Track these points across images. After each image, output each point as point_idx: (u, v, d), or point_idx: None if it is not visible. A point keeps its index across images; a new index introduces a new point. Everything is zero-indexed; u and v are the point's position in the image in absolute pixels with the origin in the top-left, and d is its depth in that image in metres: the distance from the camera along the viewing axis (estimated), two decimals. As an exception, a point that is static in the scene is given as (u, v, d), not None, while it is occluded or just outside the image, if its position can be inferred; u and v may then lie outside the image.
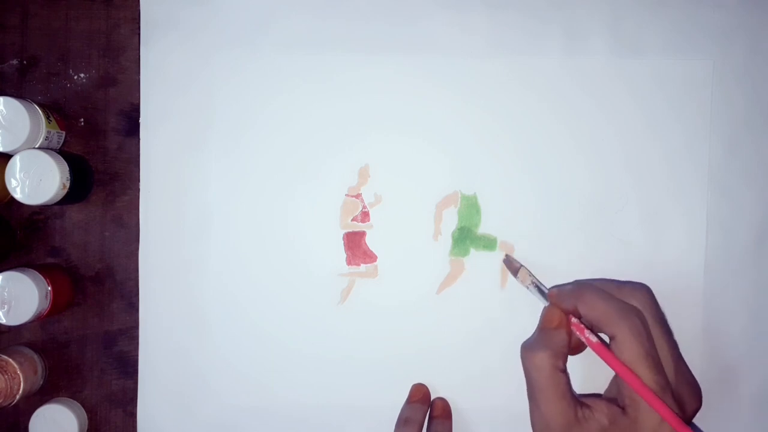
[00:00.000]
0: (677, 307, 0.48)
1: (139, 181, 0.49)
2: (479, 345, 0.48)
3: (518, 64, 0.49)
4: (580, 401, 0.39)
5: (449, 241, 0.49)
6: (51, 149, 0.47)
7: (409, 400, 0.48)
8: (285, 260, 0.49)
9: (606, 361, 0.39)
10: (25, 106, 0.44)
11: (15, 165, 0.44)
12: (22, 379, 0.46)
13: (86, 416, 0.49)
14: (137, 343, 0.49)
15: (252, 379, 0.49)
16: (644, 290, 0.42)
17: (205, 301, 0.49)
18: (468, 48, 0.49)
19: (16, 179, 0.44)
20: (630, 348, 0.38)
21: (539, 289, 0.45)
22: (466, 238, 0.49)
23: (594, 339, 0.40)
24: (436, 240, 0.49)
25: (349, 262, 0.49)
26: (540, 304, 0.45)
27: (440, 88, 0.48)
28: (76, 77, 0.49)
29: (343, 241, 0.49)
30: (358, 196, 0.49)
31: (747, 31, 0.48)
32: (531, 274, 0.46)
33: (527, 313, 0.48)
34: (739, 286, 0.48)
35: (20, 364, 0.46)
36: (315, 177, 0.49)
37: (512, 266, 0.47)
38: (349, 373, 0.49)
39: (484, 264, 0.49)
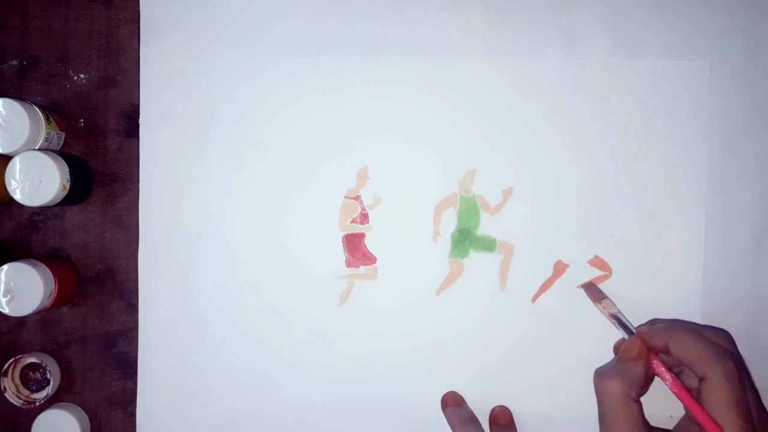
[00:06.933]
0: (676, 307, 0.48)
1: (138, 182, 0.49)
2: (478, 347, 0.49)
3: (518, 65, 0.49)
4: None
5: (448, 243, 0.49)
6: (51, 150, 0.47)
7: (450, 404, 0.48)
8: (284, 262, 0.49)
9: (688, 407, 0.39)
10: (24, 108, 0.44)
11: (15, 167, 0.44)
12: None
13: (88, 421, 0.49)
14: (137, 344, 0.49)
15: (251, 381, 0.49)
16: (728, 335, 0.42)
17: (204, 302, 0.49)
18: (467, 49, 0.49)
19: (16, 181, 0.44)
20: (722, 391, 0.37)
21: (619, 320, 0.44)
22: (465, 239, 0.49)
23: (675, 381, 0.40)
24: (435, 241, 0.49)
25: (348, 264, 0.49)
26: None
27: (439, 89, 0.49)
28: (76, 78, 0.49)
29: (342, 243, 0.49)
30: (357, 197, 0.49)
31: (744, 32, 0.48)
32: (614, 305, 0.46)
33: (526, 315, 0.48)
34: (738, 285, 0.48)
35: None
36: (314, 178, 0.49)
37: (595, 296, 0.47)
38: (348, 376, 0.49)
39: (484, 266, 0.49)
